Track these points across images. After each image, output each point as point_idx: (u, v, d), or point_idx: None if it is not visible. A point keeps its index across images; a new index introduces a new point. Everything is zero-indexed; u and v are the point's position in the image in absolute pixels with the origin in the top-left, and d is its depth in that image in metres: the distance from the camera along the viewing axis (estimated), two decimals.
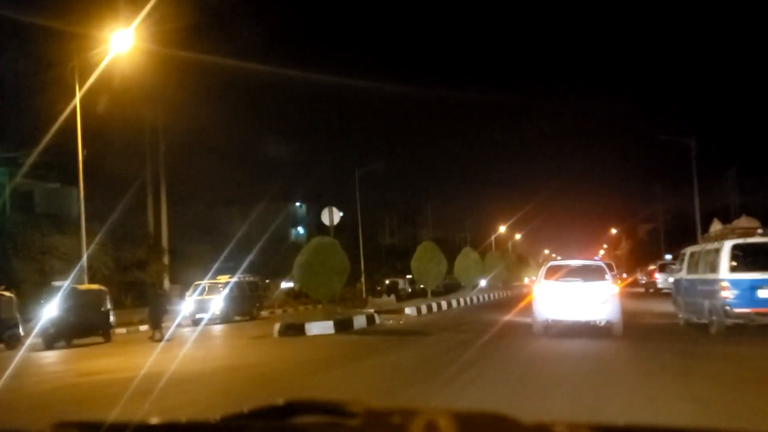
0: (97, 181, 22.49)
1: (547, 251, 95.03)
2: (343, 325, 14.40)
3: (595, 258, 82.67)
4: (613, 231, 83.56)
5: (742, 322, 11.48)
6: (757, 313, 11.25)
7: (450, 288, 33.18)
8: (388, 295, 32.00)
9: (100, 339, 15.72)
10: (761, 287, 11.23)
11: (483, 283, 31.23)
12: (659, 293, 30.92)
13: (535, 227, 72.57)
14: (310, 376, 8.47)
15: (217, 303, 19.27)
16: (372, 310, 17.99)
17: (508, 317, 17.15)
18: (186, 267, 26.89)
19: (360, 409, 1.18)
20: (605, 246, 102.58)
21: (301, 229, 56.07)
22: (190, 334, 16.31)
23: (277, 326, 14.22)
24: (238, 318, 20.70)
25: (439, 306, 21.86)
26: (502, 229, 61.64)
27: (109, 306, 16.44)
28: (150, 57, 18.80)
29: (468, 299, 26.26)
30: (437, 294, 28.28)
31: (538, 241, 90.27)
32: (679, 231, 48.50)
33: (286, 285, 41.27)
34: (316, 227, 60.57)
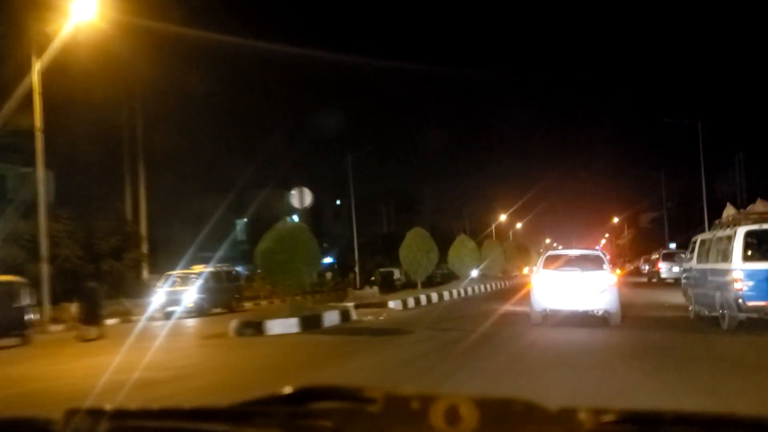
0: (72, 165, 21.50)
1: (548, 240, 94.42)
2: (311, 323, 12.69)
3: (597, 247, 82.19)
4: (616, 220, 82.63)
5: (757, 316, 10.50)
6: None
7: (447, 278, 32.23)
8: (382, 286, 31.07)
9: (14, 341, 13.04)
10: None
11: (474, 273, 29.52)
12: (663, 283, 30.38)
13: (537, 216, 71.88)
14: (235, 393, 6.93)
15: (190, 295, 18.08)
16: (350, 304, 16.58)
17: (503, 310, 16.10)
18: (172, 257, 25.99)
19: (379, 394, 1.20)
20: (607, 235, 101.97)
21: (296, 217, 55.06)
22: (145, 329, 14.83)
23: (233, 324, 12.50)
24: (216, 311, 19.52)
25: (429, 298, 20.34)
26: (503, 217, 60.76)
27: (27, 301, 13.78)
28: (121, 28, 17.67)
29: (462, 290, 24.79)
30: (431, 285, 27.26)
31: (540, 230, 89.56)
32: (683, 219, 47.55)
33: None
34: (312, 215, 59.63)
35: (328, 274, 40.47)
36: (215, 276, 20.17)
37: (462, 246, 27.69)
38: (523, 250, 48.50)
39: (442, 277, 33.53)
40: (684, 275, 13.88)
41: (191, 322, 16.86)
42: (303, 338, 11.71)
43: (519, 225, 68.77)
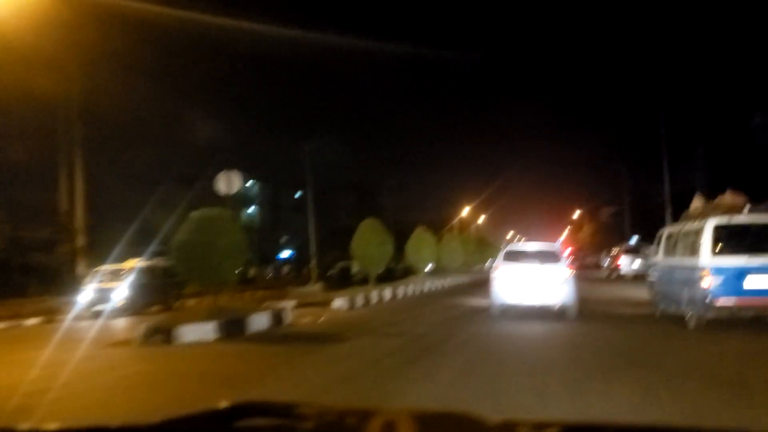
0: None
1: (511, 233, 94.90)
2: (233, 328, 10.67)
3: (558, 240, 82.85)
4: (577, 213, 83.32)
5: (726, 315, 9.92)
6: (742, 306, 9.71)
7: (405, 273, 31.39)
8: (340, 281, 30.12)
9: None
10: (749, 275, 9.68)
11: (429, 267, 28.41)
12: (623, 279, 30.09)
13: (501, 209, 71.83)
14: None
15: (120, 292, 16.60)
16: (289, 304, 15.00)
17: (459, 307, 15.09)
18: (116, 252, 24.60)
19: (313, 411, 1.19)
20: (569, 228, 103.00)
21: (252, 210, 53.75)
22: (54, 331, 12.69)
23: (141, 329, 10.45)
24: (152, 309, 18.13)
25: (381, 296, 18.62)
26: (466, 210, 60.40)
27: None
28: (53, 5, 16.24)
29: (420, 286, 23.52)
30: (392, 280, 26.47)
31: (503, 223, 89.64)
32: (642, 214, 47.80)
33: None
34: (271, 206, 58.31)
35: (285, 268, 39.52)
36: (150, 271, 18.59)
37: (420, 239, 26.60)
38: (485, 243, 47.99)
39: (405, 272, 32.75)
40: (649, 271, 13.31)
41: (119, 323, 14.96)
42: (216, 348, 9.60)
43: (482, 218, 68.56)
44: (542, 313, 12.59)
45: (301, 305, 15.41)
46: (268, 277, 35.26)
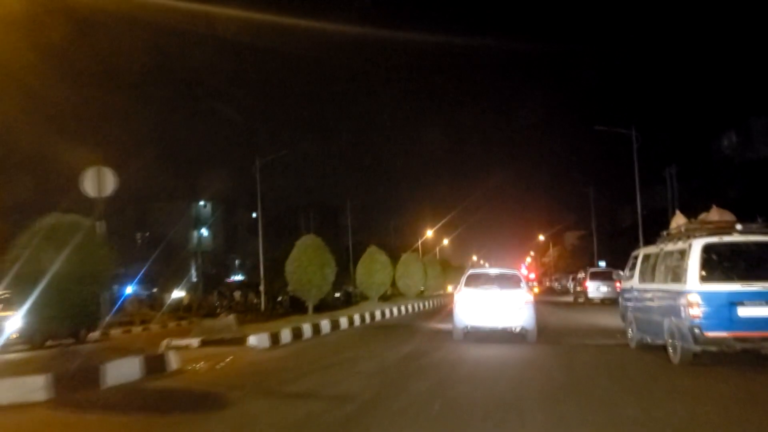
0: None
1: (475, 257, 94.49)
2: (79, 382, 7.59)
3: (522, 265, 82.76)
4: (541, 237, 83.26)
5: (716, 349, 8.69)
6: (736, 338, 8.48)
7: (357, 299, 29.66)
8: (291, 308, 28.26)
9: None
10: (742, 303, 8.46)
11: (368, 293, 25.44)
12: (591, 304, 29.32)
13: (464, 233, 71.10)
14: None
15: (14, 322, 14.13)
16: (191, 342, 12.42)
17: (410, 347, 12.15)
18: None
19: None
20: (532, 253, 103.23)
21: (205, 231, 51.53)
22: None
23: None
24: (53, 342, 15.62)
25: (317, 328, 15.30)
26: (429, 233, 59.31)
27: None
28: None
29: (367, 315, 19.71)
30: (332, 307, 24.00)
31: (466, 247, 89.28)
32: (611, 237, 47.38)
33: (177, 295, 36.84)
34: (225, 229, 56.11)
35: (237, 294, 37.41)
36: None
37: (372, 261, 24.24)
38: (448, 267, 46.67)
39: (361, 298, 31.08)
40: (623, 296, 12.09)
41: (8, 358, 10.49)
42: (40, 417, 6.49)
43: (446, 242, 67.59)
44: (506, 351, 11.63)
45: (208, 343, 12.41)
46: (216, 304, 33.09)
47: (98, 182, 10.83)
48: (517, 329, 12.83)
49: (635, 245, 13.03)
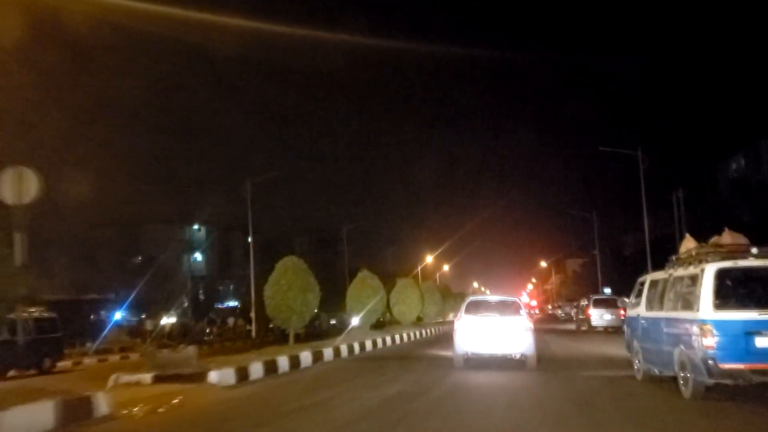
0: None
1: (476, 284, 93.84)
2: None
3: (523, 293, 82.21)
4: (543, 264, 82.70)
5: (731, 382, 8.11)
6: (753, 371, 7.92)
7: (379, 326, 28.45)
8: (283, 338, 27.37)
9: None
10: (760, 332, 7.91)
11: (355, 321, 23.27)
12: (593, 331, 28.83)
13: (465, 259, 70.51)
14: None
15: None
16: (142, 377, 10.91)
17: (400, 385, 10.86)
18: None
19: None
20: (534, 280, 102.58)
21: (198, 256, 50.92)
22: None
23: None
24: (12, 373, 14.69)
25: (296, 361, 13.69)
26: (429, 259, 58.71)
27: None
28: None
29: (356, 345, 17.87)
30: (320, 336, 22.74)
31: (467, 274, 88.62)
32: (615, 264, 46.70)
33: (168, 321, 36.04)
34: (218, 253, 55.50)
35: (230, 320, 36.63)
36: (15, 326, 14.17)
37: (363, 285, 22.37)
38: (448, 293, 45.87)
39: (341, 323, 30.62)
40: (629, 325, 11.53)
41: None
42: None
43: (446, 268, 66.97)
44: (508, 385, 11.07)
45: (163, 378, 10.77)
46: (206, 332, 32.31)
47: (18, 186, 8.93)
48: (517, 356, 12.97)
49: (640, 272, 12.51)
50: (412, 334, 25.51)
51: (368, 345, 19.12)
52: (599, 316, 29.42)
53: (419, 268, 54.00)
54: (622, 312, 29.47)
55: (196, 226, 50.55)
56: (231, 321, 36.87)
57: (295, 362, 13.71)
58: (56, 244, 36.47)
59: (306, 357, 14.39)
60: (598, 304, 30.24)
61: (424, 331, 28.31)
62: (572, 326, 35.74)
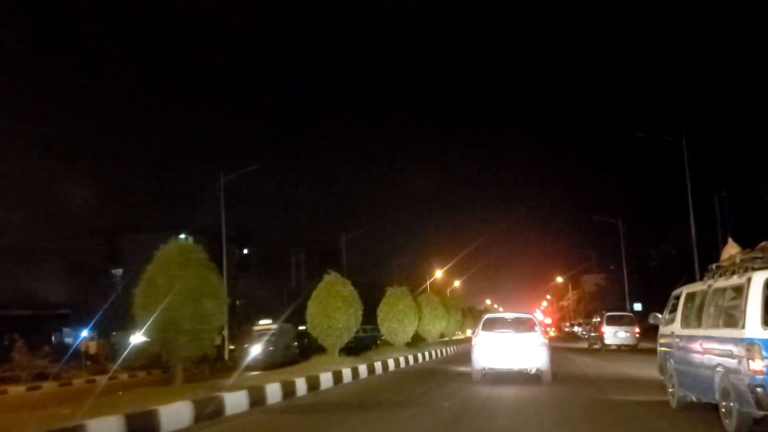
0: None
1: (489, 301, 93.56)
2: None
3: (536, 310, 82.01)
4: (559, 279, 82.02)
5: None
6: None
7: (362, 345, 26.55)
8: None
9: None
10: None
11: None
12: (607, 349, 29.06)
13: (476, 274, 69.89)
14: None
15: None
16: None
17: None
18: None
19: None
20: (549, 297, 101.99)
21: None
22: None
23: None
24: None
25: (290, 388, 11.67)
26: (439, 273, 58.00)
27: None
28: None
29: (321, 376, 13.65)
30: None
31: (480, 290, 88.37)
32: (640, 279, 45.64)
33: (136, 340, 33.32)
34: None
35: (219, 339, 35.72)
36: None
37: (330, 294, 17.57)
38: (457, 309, 44.98)
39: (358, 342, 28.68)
40: (661, 344, 10.81)
41: None
42: None
43: (457, 283, 66.28)
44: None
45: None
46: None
47: None
48: (533, 370, 14.33)
49: (668, 286, 11.85)
50: (402, 360, 20.88)
51: (326, 381, 13.91)
52: (613, 334, 29.54)
53: (428, 284, 53.29)
54: (637, 330, 29.55)
55: (183, 236, 49.77)
56: (218, 341, 35.38)
57: (289, 390, 11.56)
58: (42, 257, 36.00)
59: (273, 392, 11.33)
60: (611, 321, 30.24)
61: (422, 355, 23.78)
62: (583, 344, 35.97)
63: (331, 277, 17.78)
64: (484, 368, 14.62)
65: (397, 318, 23.51)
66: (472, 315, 51.73)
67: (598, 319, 32.17)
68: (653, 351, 11.59)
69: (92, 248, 46.86)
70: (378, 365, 18.04)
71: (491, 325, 15.03)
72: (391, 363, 19.36)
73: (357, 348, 22.38)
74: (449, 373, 17.92)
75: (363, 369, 16.81)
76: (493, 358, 14.42)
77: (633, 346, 29.09)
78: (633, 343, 29.29)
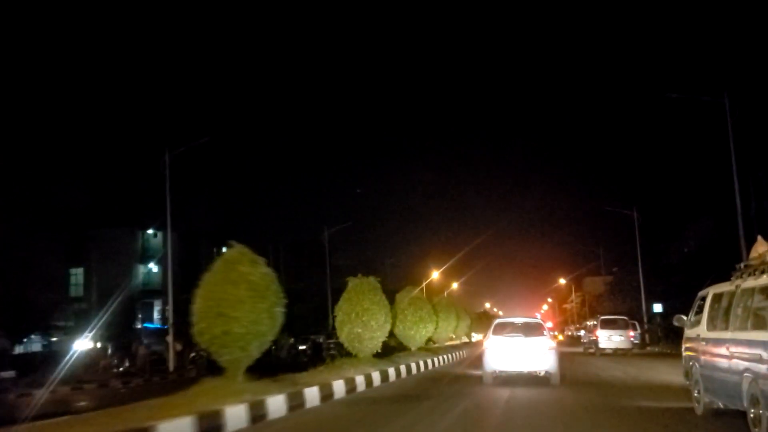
0: None
1: (488, 305, 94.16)
2: None
3: (537, 314, 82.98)
4: (562, 281, 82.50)
5: None
6: None
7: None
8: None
9: None
10: None
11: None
12: (601, 353, 30.10)
13: (475, 277, 70.34)
14: None
15: None
16: None
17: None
18: None
19: None
20: (550, 300, 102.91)
21: (154, 266, 49.66)
22: None
23: None
24: None
25: (262, 410, 10.28)
26: (435, 275, 58.14)
27: None
28: None
29: (392, 372, 15.95)
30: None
31: (478, 293, 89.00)
32: (656, 278, 45.33)
33: (83, 346, 32.57)
34: (181, 265, 54.80)
35: (141, 348, 34.27)
36: None
37: (361, 298, 17.58)
38: (453, 311, 45.02)
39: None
40: (686, 347, 11.06)
41: None
42: None
43: (455, 285, 66.51)
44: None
45: None
46: (113, 364, 29.72)
47: None
48: (542, 373, 15.64)
49: (689, 285, 12.08)
50: (447, 357, 22.83)
51: (341, 389, 13.66)
52: (607, 338, 30.67)
53: (423, 285, 53.48)
54: (631, 334, 31.06)
55: (151, 231, 49.22)
56: (140, 349, 31.55)
57: (258, 413, 10.08)
58: None
59: (313, 394, 12.25)
60: (606, 324, 31.37)
61: (457, 353, 26.22)
62: (578, 348, 37.12)
63: (231, 252, 11.87)
64: (495, 371, 15.98)
65: (361, 319, 18.06)
66: (479, 319, 51.98)
67: (594, 323, 33.30)
68: (660, 355, 11.93)
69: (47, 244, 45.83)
70: (434, 360, 18.95)
71: (501, 329, 16.41)
72: (339, 387, 13.77)
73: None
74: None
75: (428, 362, 20.33)
76: (503, 361, 15.81)
77: (628, 350, 30.15)
78: (627, 347, 30.43)
